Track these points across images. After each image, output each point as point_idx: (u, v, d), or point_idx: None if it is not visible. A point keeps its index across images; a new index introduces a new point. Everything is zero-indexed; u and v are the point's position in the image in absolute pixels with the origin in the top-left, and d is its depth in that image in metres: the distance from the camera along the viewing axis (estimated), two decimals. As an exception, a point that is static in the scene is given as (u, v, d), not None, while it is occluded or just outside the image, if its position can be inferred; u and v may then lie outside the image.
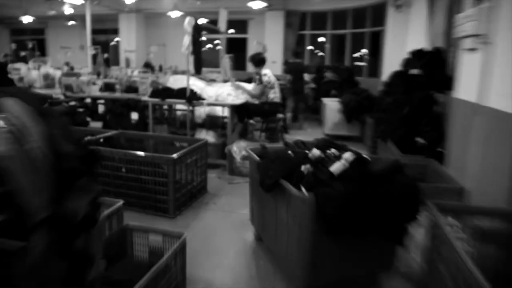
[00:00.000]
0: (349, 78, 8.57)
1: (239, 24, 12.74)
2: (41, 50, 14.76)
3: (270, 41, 10.80)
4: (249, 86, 5.96)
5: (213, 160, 5.19)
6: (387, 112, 5.36)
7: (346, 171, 2.26)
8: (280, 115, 5.49)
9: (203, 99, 5.12)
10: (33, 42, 12.89)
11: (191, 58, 5.04)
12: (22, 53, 12.44)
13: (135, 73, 6.31)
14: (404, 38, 7.80)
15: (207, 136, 5.26)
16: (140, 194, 3.61)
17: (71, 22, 13.09)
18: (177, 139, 4.51)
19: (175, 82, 6.12)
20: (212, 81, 9.91)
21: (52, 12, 11.34)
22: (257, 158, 2.84)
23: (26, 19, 11.96)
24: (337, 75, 8.60)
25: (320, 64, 10.37)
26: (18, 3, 11.70)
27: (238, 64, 11.93)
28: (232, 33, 13.10)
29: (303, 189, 2.24)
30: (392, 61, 8.00)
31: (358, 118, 6.98)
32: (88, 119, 5.71)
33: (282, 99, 8.48)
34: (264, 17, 11.55)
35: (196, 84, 5.91)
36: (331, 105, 7.19)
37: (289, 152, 2.56)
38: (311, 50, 11.94)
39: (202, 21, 11.56)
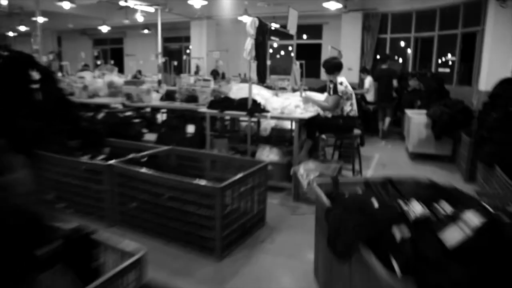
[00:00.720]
0: (437, 87, 7.37)
1: (313, 29, 11.94)
2: (119, 58, 15.17)
3: (346, 46, 9.85)
4: (321, 97, 5.14)
5: (276, 182, 4.46)
6: (495, 130, 4.25)
7: (468, 243, 1.40)
8: (357, 131, 4.61)
9: (267, 111, 4.42)
10: (98, 50, 13.20)
11: (254, 65, 4.37)
12: (98, 62, 12.76)
13: (192, 80, 5.77)
14: (510, 39, 6.49)
15: (271, 154, 4.55)
16: (183, 229, 2.98)
17: (146, 31, 13.19)
18: (234, 160, 3.84)
19: (239, 91, 5.49)
20: (282, 89, 9.28)
21: (127, 21, 11.43)
22: (326, 200, 2.05)
23: (105, 28, 12.22)
24: (422, 84, 7.43)
25: (402, 71, 9.20)
26: (98, 13, 12.00)
27: (311, 71, 11.12)
28: (305, 39, 12.36)
29: (396, 267, 1.42)
30: (493, 66, 6.70)
31: (450, 134, 5.83)
32: (145, 130, 5.28)
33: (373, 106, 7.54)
34: (339, 21, 10.62)
35: (261, 94, 5.23)
36: (417, 119, 6.11)
37: (373, 200, 1.73)
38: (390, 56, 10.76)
39: (273, 25, 10.95)
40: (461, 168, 5.49)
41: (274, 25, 11.64)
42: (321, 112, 4.66)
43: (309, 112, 4.57)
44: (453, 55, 9.26)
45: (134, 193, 3.24)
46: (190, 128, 4.75)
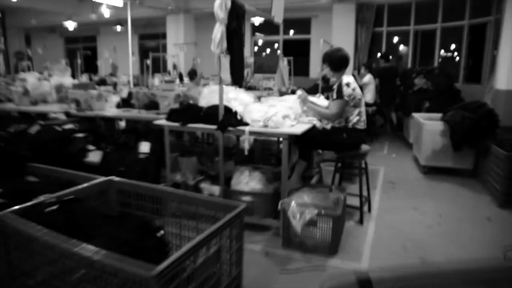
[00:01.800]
0: (447, 86, 6.24)
1: (301, 24, 10.73)
2: (94, 57, 13.78)
3: (338, 41, 8.62)
4: (323, 102, 3.91)
5: (258, 220, 3.25)
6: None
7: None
8: (365, 147, 3.41)
9: (245, 123, 3.20)
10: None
11: (226, 61, 3.13)
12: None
13: (156, 82, 4.50)
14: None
15: (252, 180, 3.32)
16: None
17: (119, 28, 11.83)
18: (197, 200, 2.56)
19: (211, 96, 4.25)
20: (268, 89, 8.04)
21: (94, 16, 10.07)
22: None
23: (70, 25, 10.83)
24: (430, 82, 6.28)
25: (404, 69, 8.02)
26: (61, 8, 10.61)
27: (300, 69, 9.92)
28: (292, 35, 11.14)
29: None
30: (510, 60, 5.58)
31: (472, 144, 4.67)
32: (92, 147, 4.00)
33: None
34: (330, 14, 9.42)
35: (239, 99, 4.00)
36: (431, 126, 4.94)
37: None
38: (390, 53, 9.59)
39: (258, 20, 9.67)
40: (489, 187, 4.33)
41: (258, 19, 10.46)
42: (318, 123, 3.45)
43: (303, 123, 3.36)
44: (458, 49, 8.15)
45: (30, 266, 1.99)
46: (144, 147, 3.50)
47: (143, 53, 13.10)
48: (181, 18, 10.70)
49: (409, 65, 8.78)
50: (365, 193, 3.66)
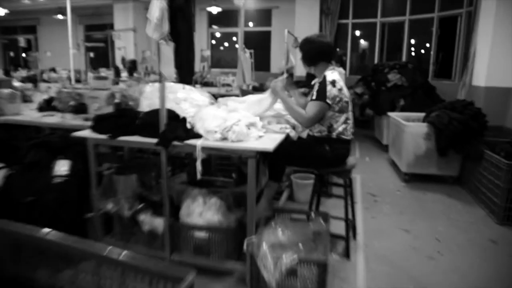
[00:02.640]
0: (423, 82, 5.65)
1: (260, 15, 9.91)
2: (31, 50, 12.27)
3: (301, 33, 7.85)
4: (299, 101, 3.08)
5: (216, 263, 2.41)
6: None
7: None
8: (351, 161, 2.65)
9: (197, 135, 2.33)
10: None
11: (169, 49, 2.24)
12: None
13: (90, 78, 3.53)
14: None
15: (207, 211, 2.46)
16: None
17: (60, 16, 10.48)
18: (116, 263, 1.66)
19: (155, 95, 3.34)
20: (227, 86, 7.17)
21: (27, 1, 8.72)
22: None
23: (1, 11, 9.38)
24: (405, 78, 5.65)
25: (376, 63, 7.39)
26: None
27: (260, 64, 9.11)
28: (251, 27, 10.28)
29: None
30: (496, 56, 5.04)
31: (459, 149, 4.06)
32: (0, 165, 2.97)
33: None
34: (292, 5, 8.67)
35: (191, 100, 3.13)
36: (414, 128, 4.28)
37: None
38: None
39: (215, 9, 8.71)
40: (480, 197, 3.73)
41: (215, 9, 9.52)
42: (292, 133, 2.64)
43: (273, 132, 2.54)
44: (427, 43, 7.64)
45: None
46: (61, 167, 2.55)
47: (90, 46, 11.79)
48: (130, 6, 9.56)
49: (376, 60, 8.20)
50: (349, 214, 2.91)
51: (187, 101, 3.25)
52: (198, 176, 2.22)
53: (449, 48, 6.95)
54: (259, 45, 9.70)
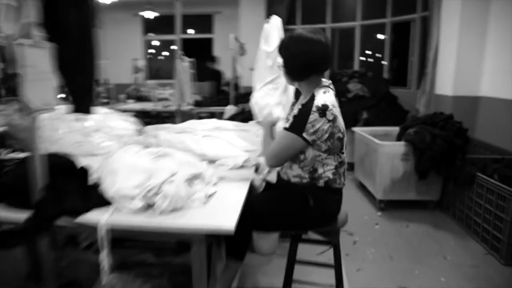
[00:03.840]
0: (387, 92, 5.04)
1: (202, 21, 8.96)
2: None
3: (246, 40, 7.05)
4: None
5: None
6: None
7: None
8: (342, 216, 1.81)
9: (104, 202, 1.35)
10: None
11: (42, 56, 1.25)
12: None
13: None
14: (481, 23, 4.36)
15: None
16: None
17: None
18: None
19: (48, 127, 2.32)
20: (164, 100, 6.12)
21: None
22: None
23: None
24: (367, 88, 4.99)
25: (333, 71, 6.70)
26: None
27: (201, 75, 8.14)
28: (192, 34, 9.29)
29: None
30: (463, 62, 4.51)
31: (444, 170, 3.41)
32: None
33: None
34: (235, 10, 7.83)
35: (110, 128, 2.17)
36: (389, 149, 3.56)
37: None
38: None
39: (150, 14, 7.63)
40: (472, 228, 3.08)
41: (151, 14, 8.42)
42: (258, 182, 1.74)
43: (234, 176, 1.64)
44: (380, 50, 7.13)
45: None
46: None
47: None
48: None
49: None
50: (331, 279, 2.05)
51: (102, 131, 2.26)
52: (104, 281, 1.25)
53: (403, 55, 6.48)
54: (201, 54, 8.78)
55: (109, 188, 1.38)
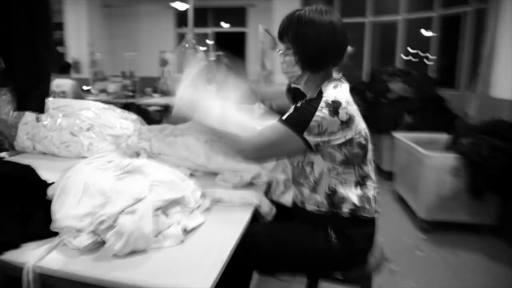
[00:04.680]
0: (434, 94, 4.44)
1: (235, 14, 8.59)
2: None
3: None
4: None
5: None
6: None
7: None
8: (376, 260, 1.36)
9: (48, 234, 0.98)
10: None
11: None
12: None
13: None
14: None
15: None
16: None
17: None
18: None
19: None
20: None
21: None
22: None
23: None
24: (411, 89, 4.41)
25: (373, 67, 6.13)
26: None
27: (236, 70, 7.76)
28: (227, 27, 8.95)
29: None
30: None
31: (502, 189, 2.83)
32: None
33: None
34: (270, 3, 7.40)
35: (103, 126, 1.81)
36: (438, 161, 3.01)
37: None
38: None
39: (181, 6, 7.35)
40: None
41: (182, 5, 8.15)
42: (266, 208, 1.31)
43: (233, 201, 1.22)
44: (422, 47, 6.47)
45: None
46: None
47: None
48: (84, 3, 8.09)
49: (364, 67, 6.99)
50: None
51: (94, 130, 1.93)
52: None
53: (451, 53, 5.81)
54: (234, 49, 8.44)
55: (54, 214, 1.01)
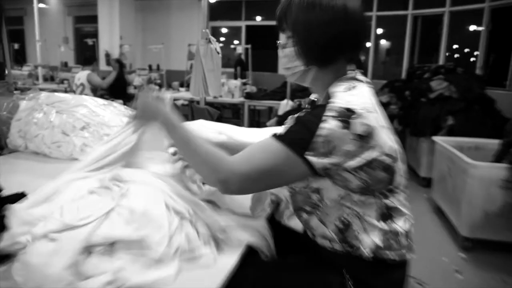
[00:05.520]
0: (481, 93, 3.99)
1: (270, 7, 8.28)
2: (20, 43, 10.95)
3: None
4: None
5: None
6: None
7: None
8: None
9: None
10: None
11: None
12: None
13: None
14: None
15: None
16: None
17: (41, 5, 9.08)
18: None
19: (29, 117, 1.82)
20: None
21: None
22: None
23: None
24: (455, 88, 3.98)
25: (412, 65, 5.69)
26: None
27: (262, 65, 7.54)
28: (259, 20, 8.67)
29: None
30: None
31: None
32: None
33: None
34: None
35: (97, 124, 1.59)
36: (484, 172, 2.62)
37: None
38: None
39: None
40: None
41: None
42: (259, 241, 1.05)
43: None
44: (467, 42, 5.94)
45: None
46: None
47: (80, 40, 10.38)
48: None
49: (404, 63, 6.52)
50: None
51: (90, 128, 1.75)
52: None
53: (502, 49, 5.28)
54: (267, 42, 8.15)
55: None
